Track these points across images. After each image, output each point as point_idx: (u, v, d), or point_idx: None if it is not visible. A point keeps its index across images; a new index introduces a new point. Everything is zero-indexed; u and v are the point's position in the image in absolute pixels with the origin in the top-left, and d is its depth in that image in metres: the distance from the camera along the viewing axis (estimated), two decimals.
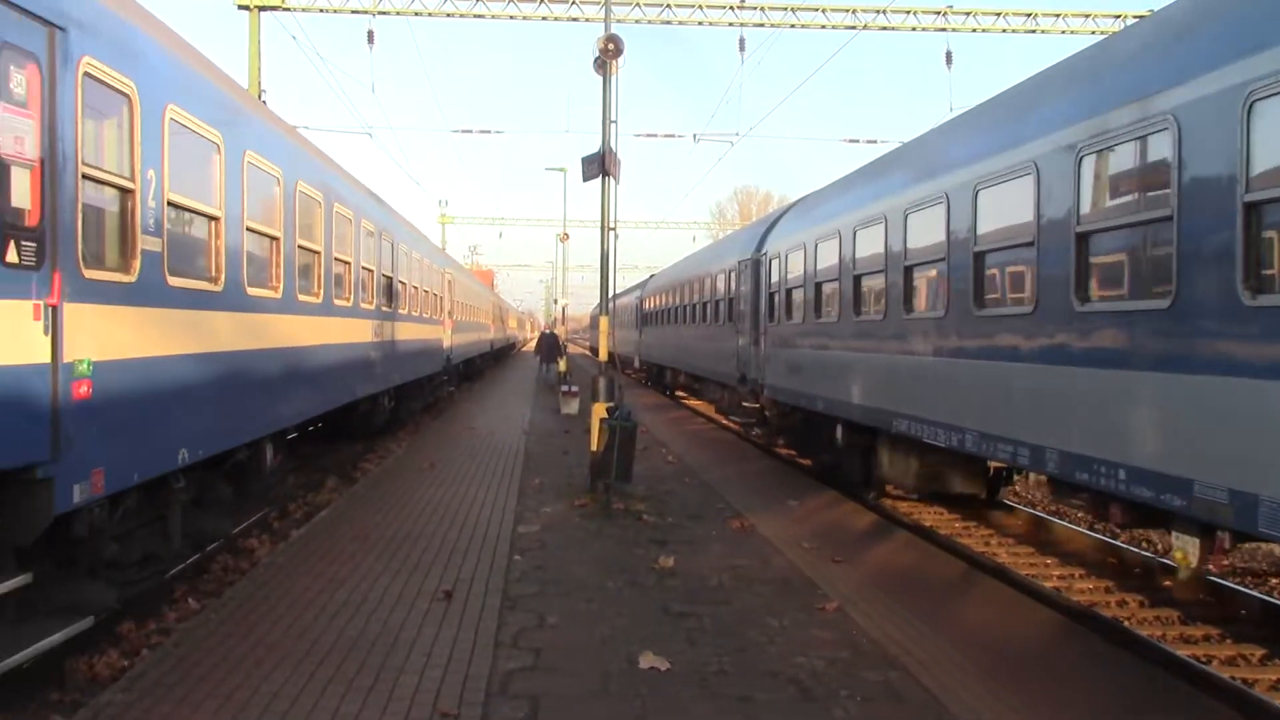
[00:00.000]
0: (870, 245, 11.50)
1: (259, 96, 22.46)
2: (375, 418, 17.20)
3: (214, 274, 8.24)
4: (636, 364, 41.54)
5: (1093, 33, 25.29)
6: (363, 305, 14.64)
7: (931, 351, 9.76)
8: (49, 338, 5.47)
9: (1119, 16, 25.50)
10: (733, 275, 19.79)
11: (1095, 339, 6.97)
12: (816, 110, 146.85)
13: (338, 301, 12.88)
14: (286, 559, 8.51)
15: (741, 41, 25.99)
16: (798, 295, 14.72)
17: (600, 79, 12.69)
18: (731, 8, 25.45)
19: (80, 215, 5.81)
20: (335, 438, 17.06)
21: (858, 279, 11.95)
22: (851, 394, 12.11)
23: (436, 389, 26.04)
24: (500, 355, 59.39)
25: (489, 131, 47.08)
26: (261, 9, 23.95)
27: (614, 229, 13.34)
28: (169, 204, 7.17)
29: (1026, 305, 7.92)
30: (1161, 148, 6.26)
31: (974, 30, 25.98)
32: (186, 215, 7.73)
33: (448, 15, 25.27)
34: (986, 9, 25.88)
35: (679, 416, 25.55)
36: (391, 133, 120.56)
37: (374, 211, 16.05)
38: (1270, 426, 5.28)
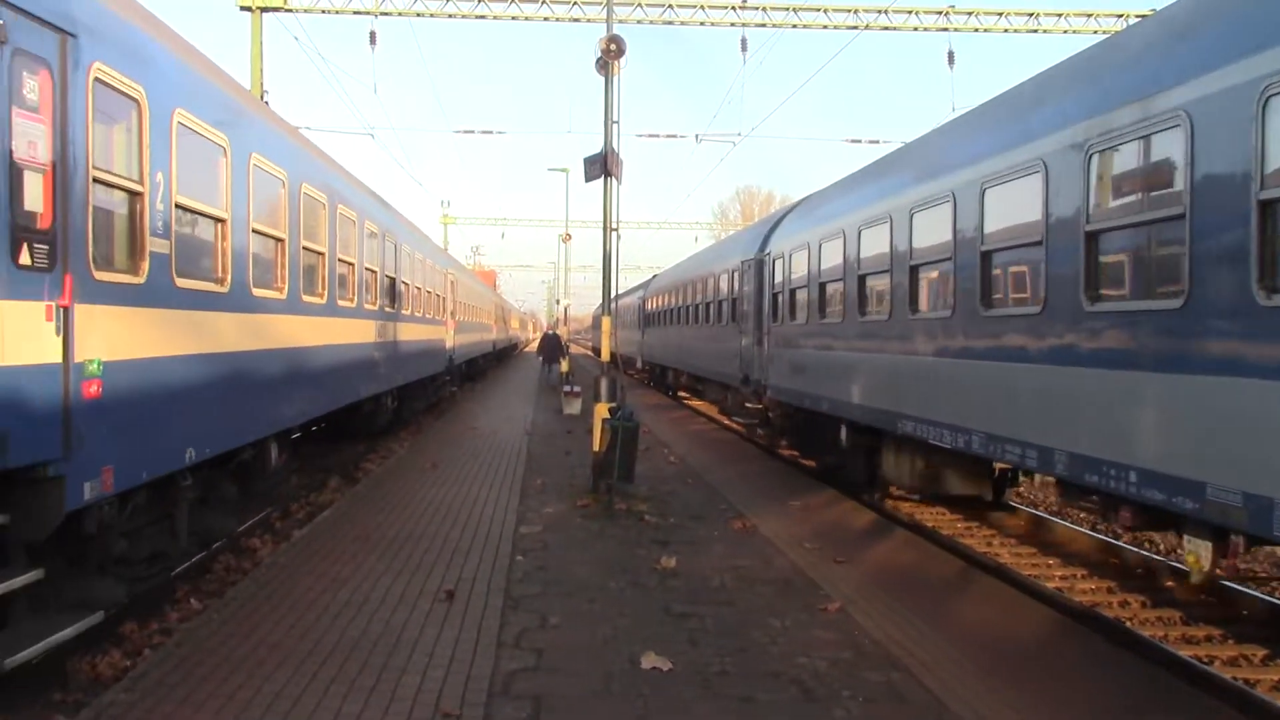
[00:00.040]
0: (875, 245, 11.43)
1: (261, 97, 22.49)
2: (379, 418, 17.24)
3: (220, 275, 8.31)
4: (639, 364, 41.54)
5: (1095, 32, 25.27)
6: (366, 306, 14.67)
7: (937, 352, 9.69)
8: (60, 338, 5.57)
9: (1121, 16, 25.47)
10: (736, 275, 19.76)
11: (1105, 339, 6.88)
12: (818, 110, 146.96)
13: (341, 302, 12.93)
14: (289, 559, 8.53)
15: (744, 41, 26.04)
16: (801, 295, 14.66)
17: (602, 79, 12.71)
18: (733, 8, 25.45)
19: (91, 218, 5.91)
20: (337, 438, 17.08)
21: (862, 279, 11.89)
22: (856, 395, 12.06)
23: (439, 389, 26.07)
24: (502, 356, 59.41)
25: (491, 132, 47.30)
26: (264, 10, 23.97)
27: (616, 229, 13.37)
28: (176, 206, 7.26)
29: (1034, 305, 7.84)
30: (1173, 145, 6.16)
31: (976, 30, 25.95)
32: (193, 217, 7.80)
33: (449, 16, 25.29)
34: (988, 9, 25.85)
35: (681, 417, 25.55)
36: (393, 133, 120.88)
37: (377, 213, 16.08)
38: None
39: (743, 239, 21.92)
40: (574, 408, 23.16)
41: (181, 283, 7.33)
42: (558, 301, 58.28)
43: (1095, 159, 7.04)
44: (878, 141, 69.70)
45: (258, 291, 9.22)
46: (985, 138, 9.19)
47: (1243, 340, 5.54)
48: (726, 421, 23.51)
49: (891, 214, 10.89)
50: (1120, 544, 10.69)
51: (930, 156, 10.70)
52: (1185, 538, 6.53)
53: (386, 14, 25.15)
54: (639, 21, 25.44)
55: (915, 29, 25.97)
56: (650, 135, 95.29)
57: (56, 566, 5.93)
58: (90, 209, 5.90)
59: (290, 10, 24.37)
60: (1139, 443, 6.48)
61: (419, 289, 20.54)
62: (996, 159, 8.57)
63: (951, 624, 7.03)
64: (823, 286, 13.53)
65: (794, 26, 25.53)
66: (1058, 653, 6.66)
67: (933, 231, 9.84)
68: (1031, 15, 25.90)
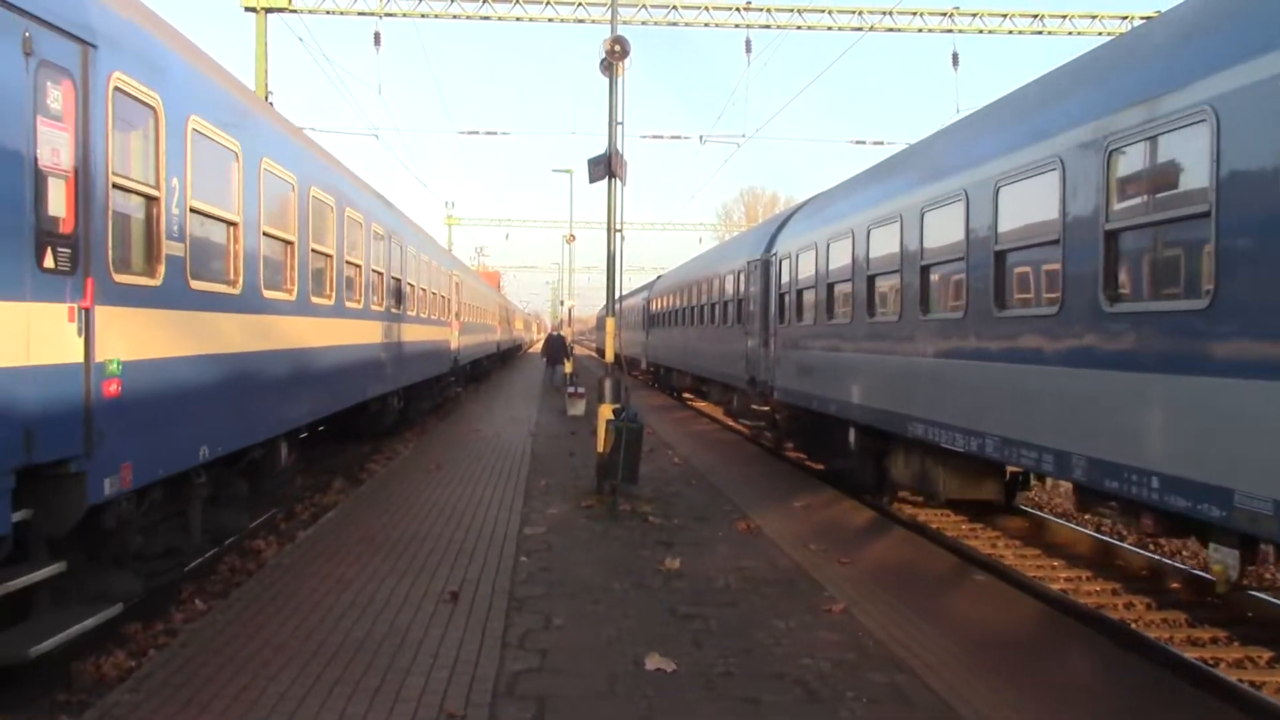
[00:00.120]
0: (885, 245, 11.30)
1: (266, 98, 22.54)
2: (385, 418, 17.32)
3: (232, 277, 8.46)
4: (644, 365, 41.55)
5: (1099, 34, 25.24)
6: (373, 307, 14.75)
7: (949, 354, 9.52)
8: (82, 339, 5.77)
9: (1126, 18, 25.44)
10: (742, 276, 19.71)
11: (1126, 341, 6.68)
12: (823, 111, 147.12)
13: (349, 304, 13.03)
14: (293, 560, 8.54)
15: (748, 43, 26.11)
16: (809, 296, 14.56)
17: (606, 80, 12.72)
18: (738, 9, 25.45)
19: (110, 222, 6.11)
20: (342, 439, 17.12)
21: (871, 279, 11.76)
22: (865, 397, 11.95)
23: (444, 390, 26.12)
24: (506, 357, 59.46)
25: (495, 133, 47.32)
26: (268, 11, 24.03)
27: (620, 230, 13.36)
28: (191, 210, 7.43)
29: (1051, 306, 7.65)
30: (1197, 140, 5.96)
31: (980, 31, 25.92)
32: (207, 221, 7.94)
33: (454, 17, 25.33)
34: (993, 10, 25.82)
35: (685, 418, 25.55)
36: (398, 134, 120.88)
37: (383, 215, 16.15)
38: None
39: (748, 239, 21.89)
40: (578, 409, 23.17)
41: (195, 285, 7.51)
42: (561, 303, 58.36)
43: (1115, 156, 6.85)
44: (882, 143, 69.60)
45: (268, 293, 9.36)
46: (999, 135, 9.03)
47: (1274, 341, 5.36)
48: (730, 423, 23.50)
49: (902, 213, 10.77)
50: (1125, 546, 10.68)
51: (942, 155, 10.53)
52: (1211, 546, 6.32)
53: (391, 15, 25.21)
54: (643, 23, 25.48)
55: (919, 30, 25.99)
56: (654, 136, 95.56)
57: (76, 560, 6.10)
58: (110, 214, 6.09)
59: (295, 11, 24.43)
60: (1162, 448, 6.29)
61: (424, 290, 20.60)
62: (1011, 157, 8.39)
63: (956, 625, 7.02)
64: (830, 287, 13.43)
65: (798, 28, 25.53)
66: (1062, 654, 6.64)
67: (944, 231, 9.69)
68: (1036, 17, 25.87)
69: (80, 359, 5.75)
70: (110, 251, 6.07)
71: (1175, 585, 9.37)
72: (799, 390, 15.00)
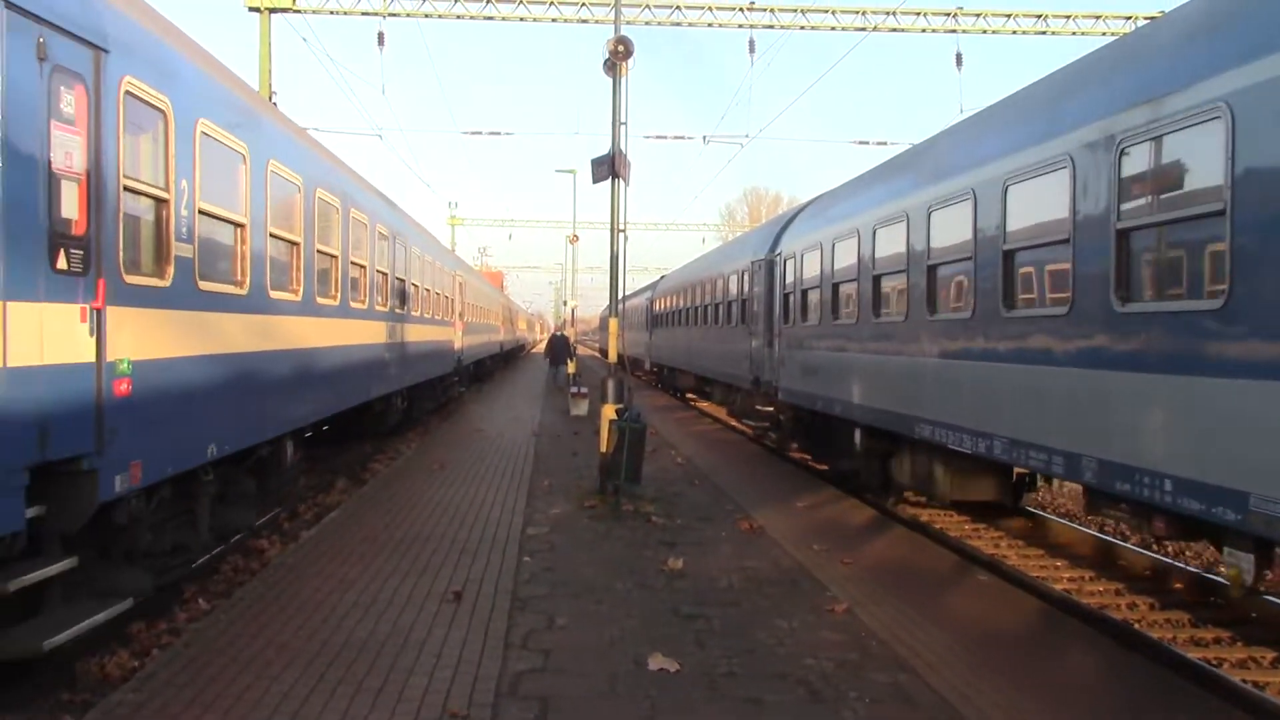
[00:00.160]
0: (891, 244, 11.25)
1: (270, 98, 22.57)
2: (389, 417, 17.39)
3: (240, 278, 8.55)
4: (647, 365, 41.55)
5: (1103, 34, 25.20)
6: (377, 308, 14.82)
7: (957, 354, 9.46)
8: (94, 339, 5.88)
9: (1130, 18, 25.41)
10: (746, 276, 19.69)
11: (1138, 341, 6.59)
12: (826, 112, 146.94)
13: (354, 304, 13.10)
14: (296, 560, 8.56)
15: (751, 43, 26.01)
16: (814, 296, 14.51)
17: (610, 81, 12.71)
18: (741, 9, 25.45)
19: (121, 224, 6.22)
20: (345, 439, 17.15)
21: (877, 279, 11.70)
22: (871, 398, 11.91)
23: (448, 390, 26.15)
24: (510, 357, 59.48)
25: (499, 133, 47.46)
26: (272, 11, 24.06)
27: (624, 230, 13.35)
28: (199, 212, 7.52)
29: (1061, 306, 7.56)
30: (1212, 138, 5.88)
31: (984, 32, 25.89)
32: (215, 223, 8.03)
33: (458, 17, 25.33)
34: (996, 10, 25.78)
35: (688, 418, 25.56)
36: (402, 134, 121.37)
37: (387, 216, 16.21)
38: None
39: (752, 239, 21.86)
40: (581, 409, 23.19)
41: (204, 285, 7.61)
42: (565, 303, 58.35)
43: (1126, 154, 6.77)
44: (885, 143, 69.65)
45: (274, 294, 9.44)
46: (1008, 133, 8.95)
47: None
48: (733, 423, 23.50)
49: (908, 213, 10.72)
50: (1128, 546, 10.66)
51: (948, 154, 10.46)
52: (1225, 550, 6.26)
53: (395, 15, 25.22)
54: (646, 23, 25.47)
55: (923, 31, 25.95)
56: (658, 137, 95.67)
57: (87, 557, 6.19)
58: (121, 216, 6.20)
59: (299, 11, 24.45)
60: (1175, 450, 6.20)
61: (428, 291, 20.64)
62: (1020, 155, 8.32)
63: (958, 625, 7.02)
64: (836, 287, 13.38)
65: (801, 28, 25.52)
66: (1065, 654, 6.64)
67: (952, 230, 9.63)
68: (1040, 17, 25.82)
69: (92, 358, 5.86)
70: (121, 253, 6.18)
71: (1179, 585, 9.36)
72: (804, 391, 14.97)
